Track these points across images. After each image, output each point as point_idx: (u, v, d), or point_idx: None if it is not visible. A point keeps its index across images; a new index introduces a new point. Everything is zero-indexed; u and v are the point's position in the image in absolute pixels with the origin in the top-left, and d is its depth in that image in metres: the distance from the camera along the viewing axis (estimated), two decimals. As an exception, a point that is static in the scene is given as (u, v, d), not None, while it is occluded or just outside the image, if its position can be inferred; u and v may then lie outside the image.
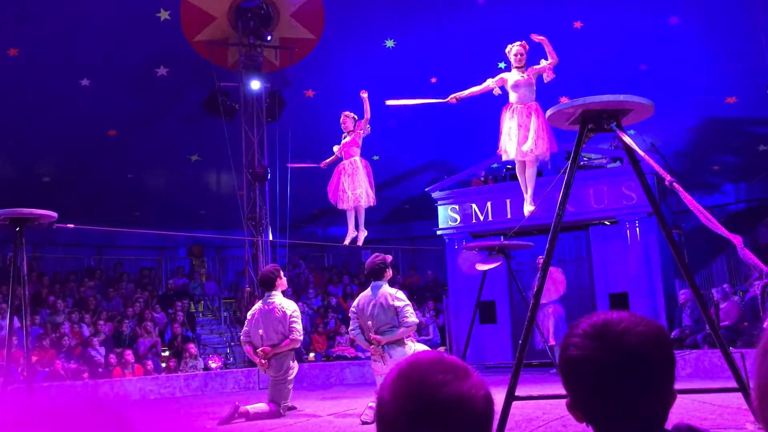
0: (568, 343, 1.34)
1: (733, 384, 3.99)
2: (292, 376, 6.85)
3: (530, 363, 9.95)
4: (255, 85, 12.58)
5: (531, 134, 6.62)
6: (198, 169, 14.75)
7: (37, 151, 13.47)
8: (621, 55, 12.27)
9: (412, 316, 6.22)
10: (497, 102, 7.13)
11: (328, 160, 8.80)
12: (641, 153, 4.15)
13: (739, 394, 4.06)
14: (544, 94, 7.27)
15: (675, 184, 3.85)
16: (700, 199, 13.34)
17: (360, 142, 8.48)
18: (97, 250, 15.94)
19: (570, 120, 4.40)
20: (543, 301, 9.82)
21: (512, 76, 6.86)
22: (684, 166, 13.63)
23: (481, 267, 9.37)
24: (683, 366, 9.21)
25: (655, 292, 11.36)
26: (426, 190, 13.46)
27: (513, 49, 6.90)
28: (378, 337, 6.17)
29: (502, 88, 6.95)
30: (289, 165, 11.40)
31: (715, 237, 3.90)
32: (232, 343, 12.54)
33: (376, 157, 12.81)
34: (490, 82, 6.98)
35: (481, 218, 12.65)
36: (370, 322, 6.22)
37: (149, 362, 10.81)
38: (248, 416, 6.45)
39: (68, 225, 7.40)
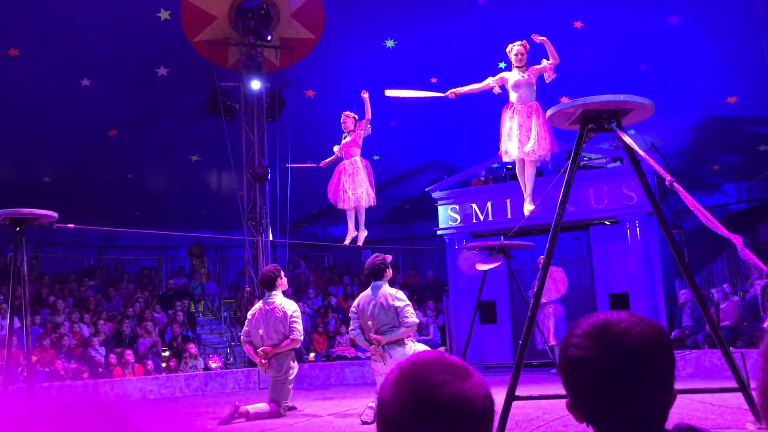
0: (568, 343, 1.35)
1: (733, 384, 4.00)
2: (292, 376, 6.85)
3: (530, 363, 9.96)
4: (255, 85, 12.58)
5: (533, 134, 6.62)
6: (198, 169, 14.75)
7: (37, 151, 13.47)
8: (621, 55, 12.26)
9: (412, 316, 6.22)
10: (497, 102, 7.13)
11: (328, 160, 8.78)
12: (641, 153, 4.16)
13: (740, 394, 4.06)
14: (545, 94, 7.27)
15: (675, 184, 3.85)
16: (701, 198, 13.35)
17: (360, 142, 8.47)
18: (97, 250, 15.95)
19: (570, 120, 4.41)
20: (544, 300, 9.82)
21: (513, 76, 6.87)
22: (684, 165, 13.63)
23: (482, 267, 9.36)
24: (683, 366, 9.21)
25: (656, 292, 11.36)
26: (426, 190, 13.46)
27: (514, 49, 6.90)
28: (378, 337, 6.16)
29: (503, 87, 6.95)
30: (289, 165, 11.39)
31: (715, 237, 3.90)
32: (233, 343, 12.54)
33: (376, 157, 12.81)
34: (490, 81, 6.98)
35: (482, 218, 12.65)
36: (370, 322, 6.21)
37: (149, 362, 10.81)
38: (248, 416, 6.45)
39: (68, 225, 7.39)
